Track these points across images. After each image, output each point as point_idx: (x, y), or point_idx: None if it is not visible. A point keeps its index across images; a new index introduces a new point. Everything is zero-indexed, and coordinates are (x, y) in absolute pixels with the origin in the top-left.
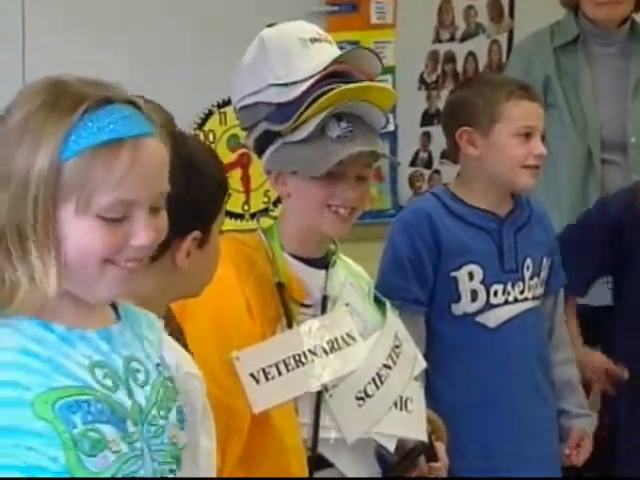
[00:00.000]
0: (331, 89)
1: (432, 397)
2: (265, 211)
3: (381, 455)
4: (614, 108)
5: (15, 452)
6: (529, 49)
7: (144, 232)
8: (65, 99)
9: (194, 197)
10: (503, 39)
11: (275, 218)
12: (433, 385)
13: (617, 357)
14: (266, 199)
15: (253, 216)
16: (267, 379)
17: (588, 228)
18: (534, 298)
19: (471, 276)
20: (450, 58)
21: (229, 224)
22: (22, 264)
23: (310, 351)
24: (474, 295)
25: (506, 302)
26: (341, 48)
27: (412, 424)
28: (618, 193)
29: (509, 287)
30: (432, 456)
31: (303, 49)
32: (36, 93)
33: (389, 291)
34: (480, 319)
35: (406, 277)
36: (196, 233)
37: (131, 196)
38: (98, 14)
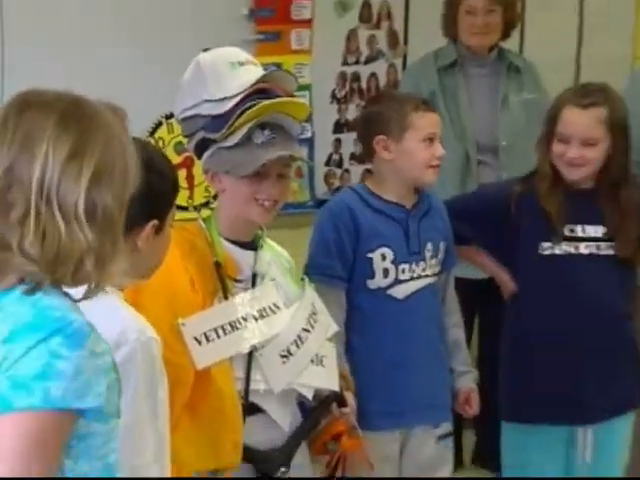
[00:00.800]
0: (256, 103)
1: (352, 358)
2: (206, 204)
3: (301, 402)
4: (487, 118)
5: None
6: (417, 70)
7: None
8: (121, 111)
9: (154, 193)
10: (399, 62)
11: (212, 209)
12: (352, 348)
13: (501, 325)
14: (207, 194)
15: (196, 208)
16: (208, 341)
17: (463, 204)
18: (433, 275)
19: (383, 257)
20: (356, 78)
21: (176, 215)
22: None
23: (243, 318)
24: (386, 272)
25: (411, 278)
26: (266, 69)
27: (326, 377)
28: (490, 188)
29: (414, 266)
30: (342, 403)
31: (232, 71)
32: (88, 109)
33: (317, 269)
34: (391, 292)
35: (331, 257)
36: (154, 221)
37: None
38: (61, 32)
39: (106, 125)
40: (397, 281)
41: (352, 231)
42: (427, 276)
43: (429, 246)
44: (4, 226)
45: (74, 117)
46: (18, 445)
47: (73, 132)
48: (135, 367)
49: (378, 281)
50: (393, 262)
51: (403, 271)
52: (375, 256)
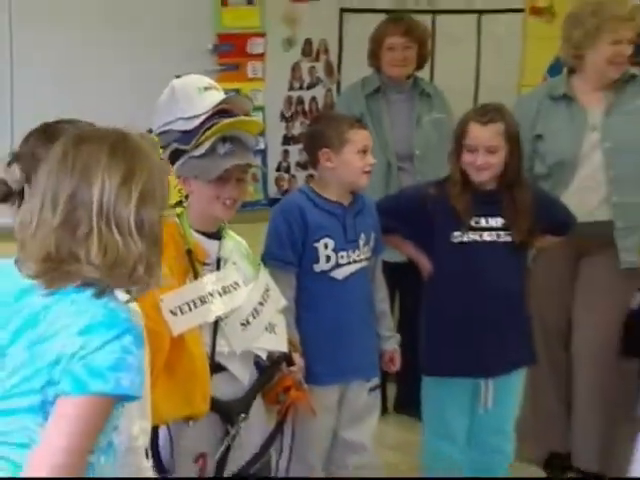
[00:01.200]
0: (219, 121)
1: (301, 328)
2: (179, 203)
3: (257, 362)
4: (404, 133)
5: None
6: (349, 95)
7: None
8: (151, 138)
9: None
10: (334, 88)
11: (184, 207)
12: (301, 320)
13: (417, 299)
14: (180, 195)
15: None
16: (182, 313)
17: (389, 203)
18: (365, 259)
19: (326, 246)
20: (300, 101)
21: None
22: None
23: (210, 294)
24: (328, 258)
25: (348, 262)
26: (227, 94)
27: (277, 341)
28: (410, 190)
29: (350, 252)
30: (291, 362)
31: (200, 94)
32: (131, 142)
33: (272, 256)
34: (332, 274)
35: (284, 247)
36: None
37: None
38: (63, 61)
39: (147, 155)
40: (337, 265)
41: (301, 225)
42: (361, 260)
43: (362, 236)
44: (72, 241)
45: (121, 149)
46: (82, 423)
47: (122, 162)
48: None
49: (322, 265)
50: (334, 250)
51: (342, 257)
52: (319, 245)
